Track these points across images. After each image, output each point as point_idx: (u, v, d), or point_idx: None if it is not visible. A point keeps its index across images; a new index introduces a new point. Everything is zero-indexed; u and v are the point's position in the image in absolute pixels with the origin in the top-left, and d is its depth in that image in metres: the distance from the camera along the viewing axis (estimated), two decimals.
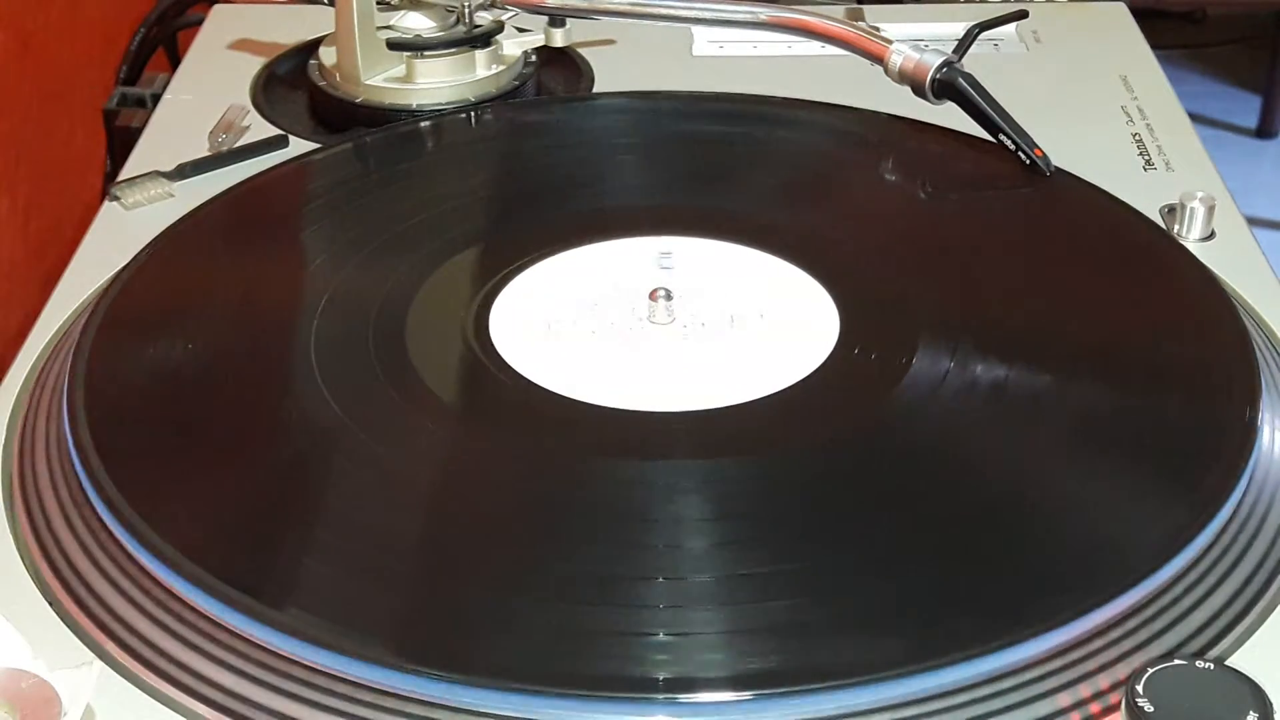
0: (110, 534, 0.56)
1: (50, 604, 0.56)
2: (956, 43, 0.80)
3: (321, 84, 0.87)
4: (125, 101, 0.95)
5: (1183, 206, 0.75)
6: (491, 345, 0.65)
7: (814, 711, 0.49)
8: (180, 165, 0.81)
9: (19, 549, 0.58)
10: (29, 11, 0.99)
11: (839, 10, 0.97)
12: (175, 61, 1.07)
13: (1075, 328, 0.66)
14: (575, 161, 0.81)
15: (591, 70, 0.92)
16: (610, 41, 0.95)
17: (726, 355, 0.66)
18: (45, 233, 0.98)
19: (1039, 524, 0.56)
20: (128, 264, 0.71)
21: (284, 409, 0.62)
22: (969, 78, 0.78)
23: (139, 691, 0.52)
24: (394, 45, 0.85)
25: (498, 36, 0.87)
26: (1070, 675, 0.51)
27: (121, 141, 0.91)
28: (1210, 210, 0.75)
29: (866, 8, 1.00)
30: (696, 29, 0.96)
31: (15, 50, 0.97)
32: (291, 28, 0.96)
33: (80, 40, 1.06)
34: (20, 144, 0.98)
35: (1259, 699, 0.47)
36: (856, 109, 0.83)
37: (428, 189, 0.79)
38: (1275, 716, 0.47)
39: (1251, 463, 0.58)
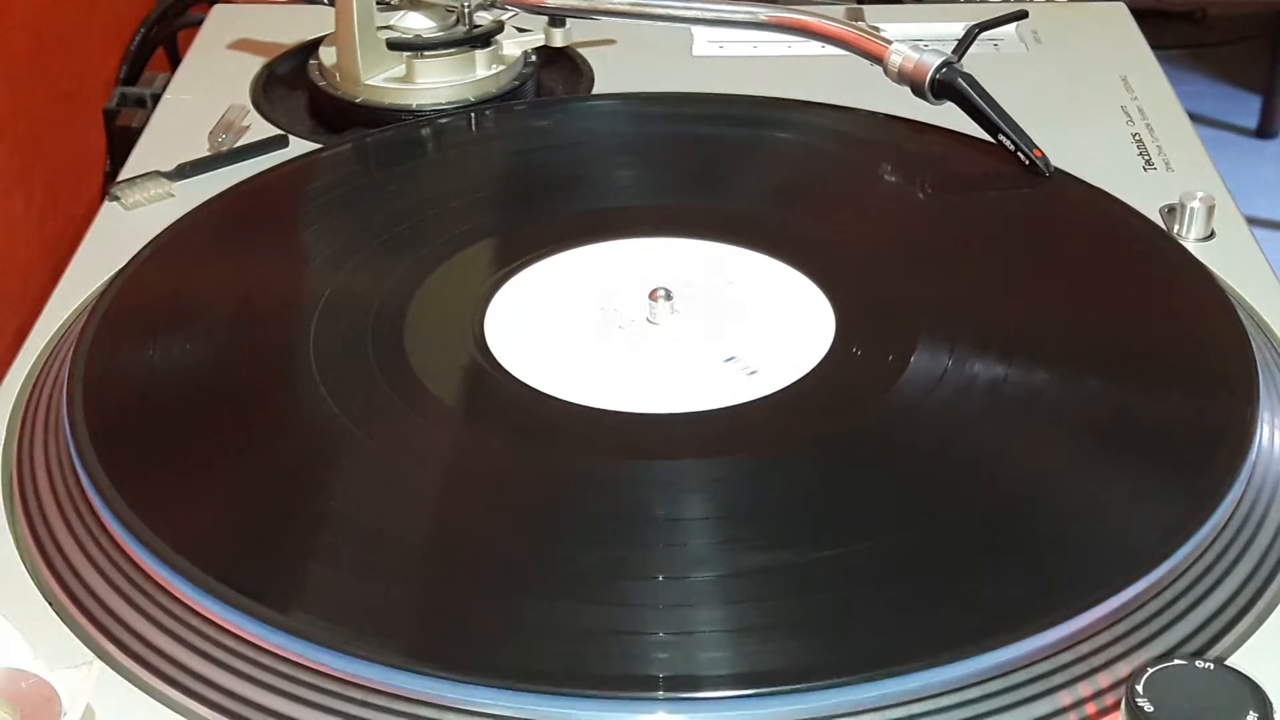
0: (110, 534, 0.56)
1: (50, 604, 0.56)
2: (956, 43, 0.80)
3: (321, 84, 0.87)
4: (125, 101, 0.95)
5: (1183, 206, 0.75)
6: (488, 346, 0.65)
7: (814, 710, 0.49)
8: (180, 165, 0.81)
9: (19, 549, 0.58)
10: (45, 12, 0.99)
11: (839, 10, 0.97)
12: (175, 61, 1.07)
13: (1074, 327, 0.66)
14: (575, 162, 0.81)
15: (591, 70, 0.92)
16: (610, 41, 0.95)
17: (724, 355, 0.65)
18: (60, 232, 0.98)
19: (1038, 522, 0.56)
20: (128, 264, 0.71)
21: (283, 409, 0.62)
22: (968, 78, 0.78)
23: (139, 691, 0.52)
24: (394, 45, 0.85)
25: (498, 36, 0.87)
26: (1070, 674, 0.51)
27: (121, 141, 0.91)
28: (1210, 210, 0.75)
29: (866, 8, 1.00)
30: (696, 29, 0.96)
31: (31, 50, 0.97)
32: (291, 28, 0.96)
33: (95, 40, 1.06)
34: (36, 144, 0.98)
35: (1259, 699, 0.47)
36: (856, 109, 0.83)
37: (427, 189, 0.79)
38: (1275, 716, 0.47)
39: (1250, 461, 0.58)
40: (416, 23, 0.86)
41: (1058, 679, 0.51)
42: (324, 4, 0.86)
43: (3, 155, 0.93)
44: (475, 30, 0.86)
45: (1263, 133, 2.17)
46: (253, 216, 0.76)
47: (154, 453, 0.60)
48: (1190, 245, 0.73)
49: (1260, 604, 0.55)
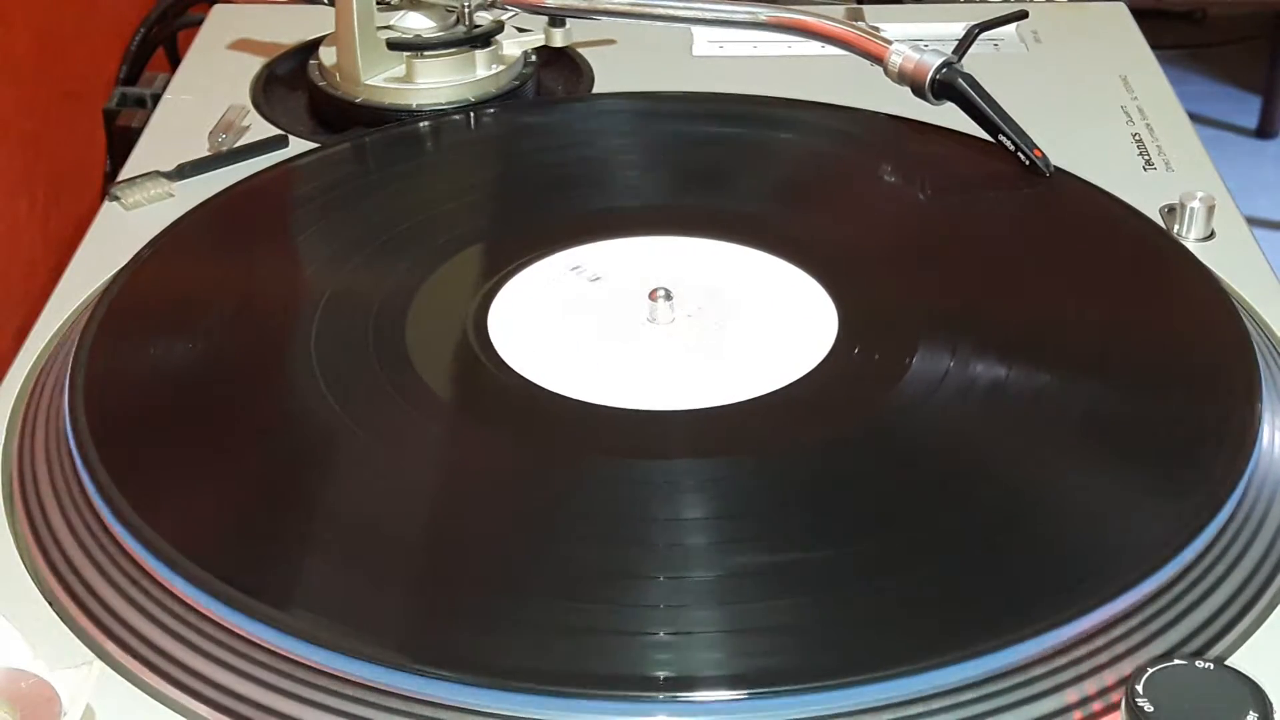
0: (110, 534, 0.56)
1: (50, 604, 0.56)
2: (956, 43, 0.80)
3: (321, 84, 0.87)
4: (125, 101, 0.95)
5: (1183, 206, 0.75)
6: (491, 345, 0.65)
7: (814, 711, 0.49)
8: (180, 165, 0.81)
9: (19, 549, 0.58)
10: (47, 12, 0.99)
11: (839, 10, 0.98)
12: (175, 61, 1.07)
13: (1075, 328, 0.66)
14: (575, 162, 0.81)
15: (591, 70, 0.92)
16: (610, 41, 0.95)
17: (726, 355, 0.66)
18: (66, 232, 0.98)
19: (1038, 523, 0.56)
20: (128, 264, 0.71)
21: (283, 409, 0.62)
22: (969, 78, 0.78)
23: (139, 691, 0.52)
24: (394, 45, 0.85)
25: (498, 36, 0.87)
26: (1070, 675, 0.51)
27: (121, 141, 0.91)
28: (1210, 210, 0.75)
29: (866, 8, 1.00)
30: (696, 29, 0.96)
31: (34, 50, 0.97)
32: (291, 28, 0.96)
33: (98, 40, 1.06)
34: (39, 144, 0.98)
35: (1259, 699, 0.47)
36: (856, 109, 0.83)
37: (427, 189, 0.79)
38: (1275, 717, 0.47)
39: (1251, 463, 0.58)
40: (416, 23, 0.86)
41: (1058, 680, 0.51)
42: (324, 4, 0.86)
43: (6, 155, 0.93)
44: (475, 30, 0.86)
45: (1263, 133, 2.17)
46: (253, 216, 0.76)
47: (154, 452, 0.60)
48: (1190, 245, 0.73)
49: (1260, 604, 0.55)
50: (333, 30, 0.86)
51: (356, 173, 0.80)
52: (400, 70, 0.85)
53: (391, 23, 0.86)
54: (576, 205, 0.77)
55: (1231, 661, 0.51)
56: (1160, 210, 0.77)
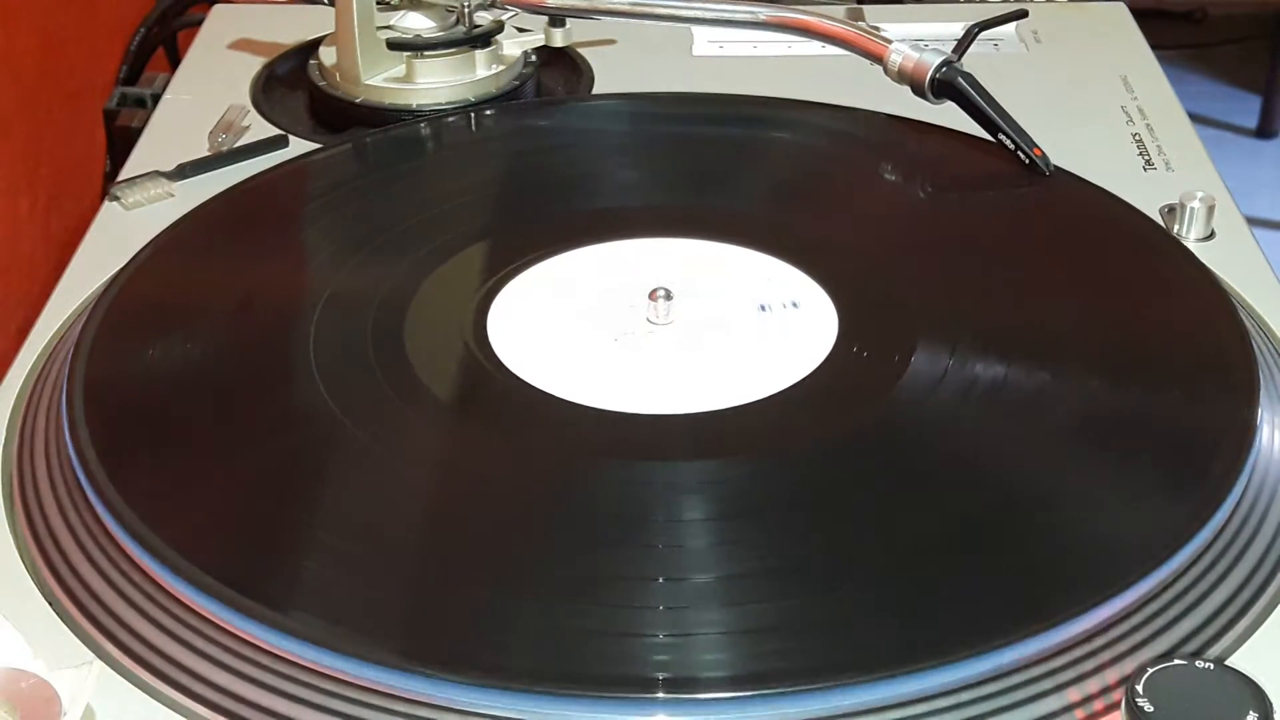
0: (110, 534, 0.56)
1: (50, 604, 0.56)
2: (956, 43, 0.80)
3: (321, 84, 0.87)
4: (125, 101, 0.95)
5: (1183, 206, 0.75)
6: (490, 347, 0.65)
7: (814, 711, 0.49)
8: (180, 165, 0.81)
9: (19, 549, 0.58)
10: (50, 12, 0.99)
11: (839, 10, 0.97)
12: (175, 61, 1.07)
13: (1075, 327, 0.66)
14: (575, 162, 0.81)
15: (591, 70, 0.92)
16: (610, 41, 0.95)
17: (726, 356, 0.66)
18: (66, 232, 0.98)
19: (1038, 523, 0.56)
20: (128, 264, 0.71)
21: (282, 409, 0.62)
22: (968, 77, 0.78)
23: (139, 691, 0.52)
24: (394, 45, 0.85)
25: (498, 36, 0.87)
26: (1070, 674, 0.51)
27: (121, 141, 0.91)
28: (1210, 210, 0.75)
29: (866, 8, 1.00)
30: (696, 29, 0.96)
31: (37, 50, 0.97)
32: (291, 28, 0.96)
33: (100, 40, 1.06)
34: (41, 144, 0.98)
35: (1259, 699, 0.47)
36: (856, 109, 0.83)
37: (427, 189, 0.79)
38: (1275, 717, 0.47)
39: (1251, 462, 0.58)
40: (416, 23, 0.86)
41: (1058, 679, 0.51)
42: (324, 4, 0.86)
43: (8, 155, 0.94)
44: (475, 30, 0.86)
45: (1263, 133, 2.17)
46: (253, 216, 0.76)
47: (153, 453, 0.60)
48: (1190, 245, 0.73)
49: (1260, 604, 0.55)
50: (333, 30, 0.86)
51: (357, 173, 0.80)
52: (400, 70, 0.85)
53: (391, 23, 0.86)
54: (576, 206, 0.77)
55: (1231, 661, 0.51)
56: (1160, 210, 0.77)
